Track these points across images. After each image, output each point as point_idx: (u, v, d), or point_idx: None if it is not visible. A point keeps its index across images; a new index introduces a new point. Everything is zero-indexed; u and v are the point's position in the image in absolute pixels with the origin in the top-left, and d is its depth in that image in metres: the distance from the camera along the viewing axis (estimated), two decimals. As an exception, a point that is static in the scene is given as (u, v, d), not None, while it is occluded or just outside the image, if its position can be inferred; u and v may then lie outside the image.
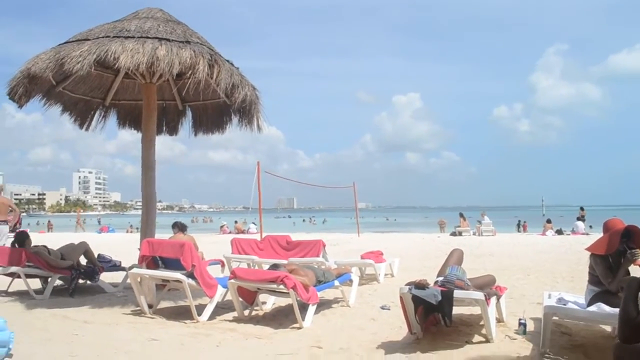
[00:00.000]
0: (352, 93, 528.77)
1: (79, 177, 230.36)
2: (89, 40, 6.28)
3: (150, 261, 6.41)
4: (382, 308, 6.48)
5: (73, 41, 6.43)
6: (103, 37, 6.33)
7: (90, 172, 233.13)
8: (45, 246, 8.01)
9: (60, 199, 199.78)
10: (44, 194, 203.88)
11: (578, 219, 23.47)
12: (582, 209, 25.06)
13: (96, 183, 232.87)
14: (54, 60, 6.09)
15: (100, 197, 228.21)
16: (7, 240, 11.12)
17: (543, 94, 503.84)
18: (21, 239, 8.04)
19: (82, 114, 8.83)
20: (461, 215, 24.60)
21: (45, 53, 6.34)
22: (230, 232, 27.66)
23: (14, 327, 4.79)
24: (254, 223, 28.22)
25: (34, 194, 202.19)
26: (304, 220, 67.49)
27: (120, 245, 17.55)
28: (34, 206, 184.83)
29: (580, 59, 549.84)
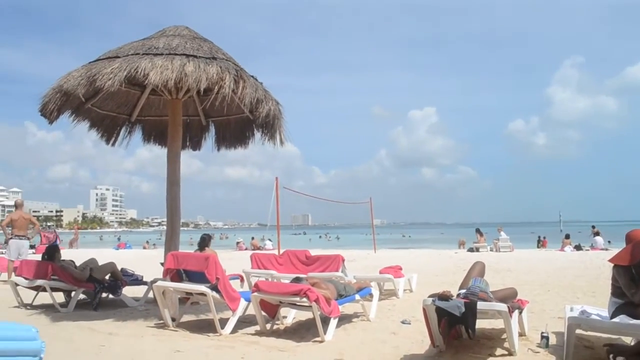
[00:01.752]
0: (367, 108, 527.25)
1: (96, 194, 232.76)
2: (119, 57, 6.48)
3: (175, 274, 6.50)
4: (403, 322, 6.48)
5: (104, 59, 6.62)
6: (133, 54, 6.52)
7: (107, 189, 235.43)
8: (72, 261, 8.17)
9: (78, 216, 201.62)
10: (62, 211, 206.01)
11: (596, 234, 23.32)
12: (593, 227, 25.10)
13: (113, 200, 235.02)
14: (85, 77, 6.28)
15: (116, 214, 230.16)
16: (28, 255, 11.36)
17: (560, 107, 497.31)
18: (51, 252, 8.21)
19: (109, 130, 9.06)
20: (478, 230, 24.48)
21: (77, 70, 6.55)
22: (246, 249, 27.76)
23: (42, 338, 4.90)
24: (269, 240, 28.33)
25: (51, 211, 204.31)
26: (320, 237, 67.39)
27: (138, 260, 17.68)
28: (51, 223, 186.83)
29: (596, 71, 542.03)
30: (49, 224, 48.79)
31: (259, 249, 26.98)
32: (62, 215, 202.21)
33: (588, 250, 21.91)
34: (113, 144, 9.14)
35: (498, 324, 5.55)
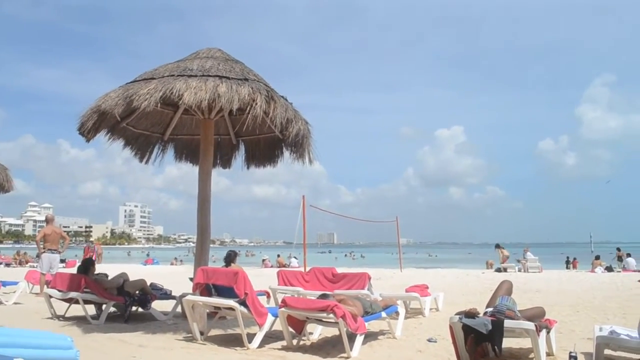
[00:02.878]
0: (394, 127, 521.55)
1: (125, 211, 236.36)
2: (154, 79, 6.73)
3: (204, 289, 6.62)
4: (429, 340, 6.47)
5: (140, 80, 6.89)
6: (168, 75, 6.76)
7: (135, 206, 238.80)
8: (105, 274, 8.40)
9: (107, 232, 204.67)
10: (91, 227, 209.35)
11: (620, 257, 23.03)
12: (618, 249, 24.89)
13: (141, 216, 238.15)
14: (122, 98, 6.54)
15: (144, 230, 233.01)
16: (59, 268, 11.67)
17: (590, 126, 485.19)
18: (86, 265, 8.46)
19: (142, 148, 9.35)
20: (497, 246, 24.31)
21: (114, 91, 6.81)
22: (272, 266, 27.88)
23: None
24: (295, 257, 28.44)
25: (81, 227, 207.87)
26: (345, 255, 67.20)
27: (166, 276, 17.89)
28: (81, 238, 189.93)
29: (627, 89, 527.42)
30: (91, 239, 50.44)
31: (284, 266, 27.07)
32: (91, 231, 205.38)
33: (620, 271, 21.50)
34: (146, 162, 9.42)
35: (525, 343, 5.53)
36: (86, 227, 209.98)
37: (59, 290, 8.05)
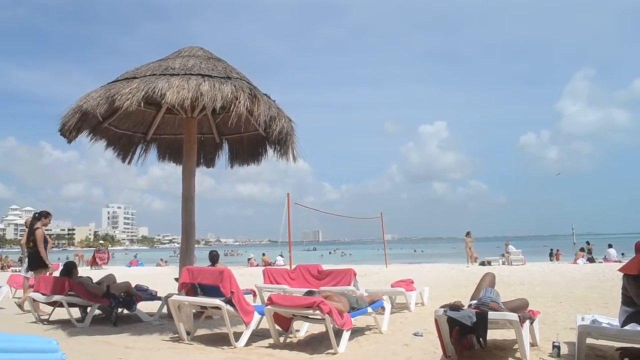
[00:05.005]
0: (378, 123, 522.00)
1: (108, 212, 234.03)
2: (136, 78, 6.69)
3: (190, 288, 6.61)
4: (415, 334, 6.52)
5: (122, 79, 6.84)
6: (150, 75, 6.73)
7: (119, 207, 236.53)
8: (89, 277, 8.32)
9: (90, 234, 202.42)
10: (74, 229, 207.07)
11: (609, 246, 23.38)
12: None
13: (125, 218, 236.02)
14: (104, 98, 6.49)
15: (128, 232, 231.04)
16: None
17: (571, 119, 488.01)
18: (69, 268, 8.37)
19: (125, 149, 9.28)
20: (468, 234, 24.60)
21: (95, 91, 6.76)
22: (257, 265, 27.82)
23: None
24: (281, 255, 28.42)
25: (64, 229, 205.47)
26: (330, 253, 67.41)
27: (151, 277, 17.79)
28: (63, 241, 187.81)
29: (607, 83, 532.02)
30: (101, 242, 49.64)
31: (270, 264, 27.04)
32: (74, 234, 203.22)
33: (601, 262, 21.83)
34: (129, 162, 9.36)
35: (510, 334, 5.60)
36: (69, 229, 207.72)
37: (43, 294, 7.97)
